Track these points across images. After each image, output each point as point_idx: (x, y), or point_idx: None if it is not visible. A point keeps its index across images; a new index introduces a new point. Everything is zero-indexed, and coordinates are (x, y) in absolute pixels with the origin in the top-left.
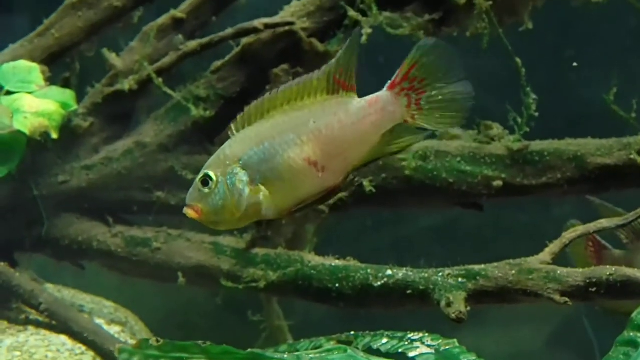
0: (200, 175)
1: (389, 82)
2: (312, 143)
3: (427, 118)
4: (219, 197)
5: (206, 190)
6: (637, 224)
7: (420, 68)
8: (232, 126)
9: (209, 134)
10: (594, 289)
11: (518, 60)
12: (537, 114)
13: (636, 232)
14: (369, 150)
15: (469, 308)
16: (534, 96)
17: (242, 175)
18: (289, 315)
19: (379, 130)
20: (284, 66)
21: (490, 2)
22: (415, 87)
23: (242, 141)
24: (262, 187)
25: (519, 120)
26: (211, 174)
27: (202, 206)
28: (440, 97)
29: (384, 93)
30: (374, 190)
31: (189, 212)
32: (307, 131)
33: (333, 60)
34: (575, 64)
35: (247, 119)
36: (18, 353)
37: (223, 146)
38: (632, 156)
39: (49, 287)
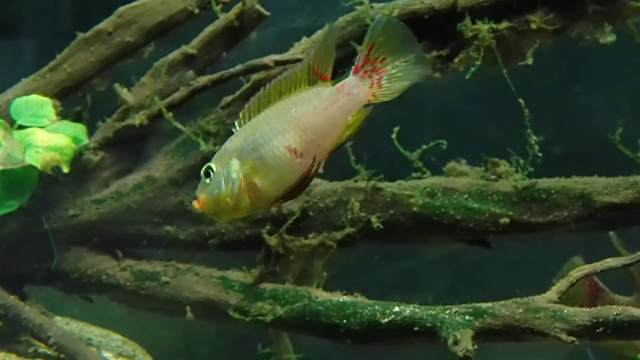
0: (204, 167)
1: (353, 66)
2: (292, 131)
3: (385, 94)
4: (216, 186)
5: (207, 181)
6: None
7: (379, 48)
8: (235, 122)
9: None
10: (600, 329)
11: (521, 100)
12: (540, 154)
13: None
14: (338, 135)
15: (476, 346)
16: (535, 137)
17: (236, 165)
18: (294, 347)
19: (347, 114)
20: None
21: (494, 41)
22: (377, 67)
23: (240, 134)
24: (254, 176)
25: (521, 162)
26: (212, 165)
27: (203, 196)
28: (399, 74)
29: (349, 78)
30: (381, 226)
31: (194, 203)
32: (288, 119)
33: (311, 53)
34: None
35: (248, 114)
36: None
37: (226, 141)
38: (638, 195)
39: (58, 319)
